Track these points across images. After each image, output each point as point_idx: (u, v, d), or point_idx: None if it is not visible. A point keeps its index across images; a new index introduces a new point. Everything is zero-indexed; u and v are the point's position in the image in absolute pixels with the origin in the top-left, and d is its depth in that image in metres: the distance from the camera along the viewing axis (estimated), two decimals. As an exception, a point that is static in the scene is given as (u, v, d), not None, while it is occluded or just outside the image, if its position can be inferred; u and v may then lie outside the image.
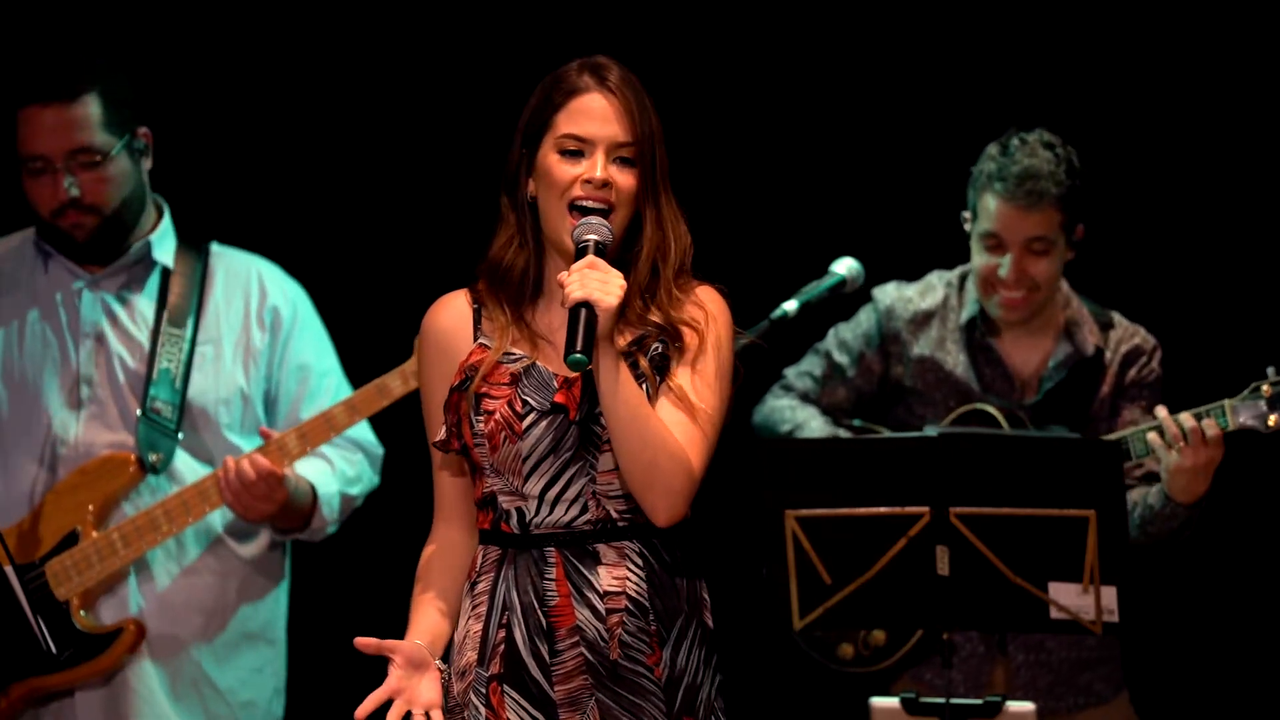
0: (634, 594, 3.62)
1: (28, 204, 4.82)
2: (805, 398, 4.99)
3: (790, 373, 5.02)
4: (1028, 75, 5.66)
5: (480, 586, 3.68)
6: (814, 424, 4.92)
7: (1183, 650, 5.71)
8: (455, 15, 5.83)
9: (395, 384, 4.70)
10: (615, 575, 3.62)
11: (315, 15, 5.84)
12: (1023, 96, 5.58)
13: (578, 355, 3.48)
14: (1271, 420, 4.57)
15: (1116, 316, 4.94)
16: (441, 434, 3.70)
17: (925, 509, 4.02)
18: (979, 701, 4.08)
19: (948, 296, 4.96)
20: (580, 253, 3.58)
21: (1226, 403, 4.59)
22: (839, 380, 4.99)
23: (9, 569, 4.46)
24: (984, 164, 4.83)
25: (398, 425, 4.89)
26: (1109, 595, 4.00)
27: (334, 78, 5.85)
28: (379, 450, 4.95)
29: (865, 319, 4.99)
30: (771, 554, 4.08)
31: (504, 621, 3.64)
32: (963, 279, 4.97)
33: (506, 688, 3.62)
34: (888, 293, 4.98)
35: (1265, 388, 4.58)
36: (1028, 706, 4.06)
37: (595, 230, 3.59)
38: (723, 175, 5.64)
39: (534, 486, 3.64)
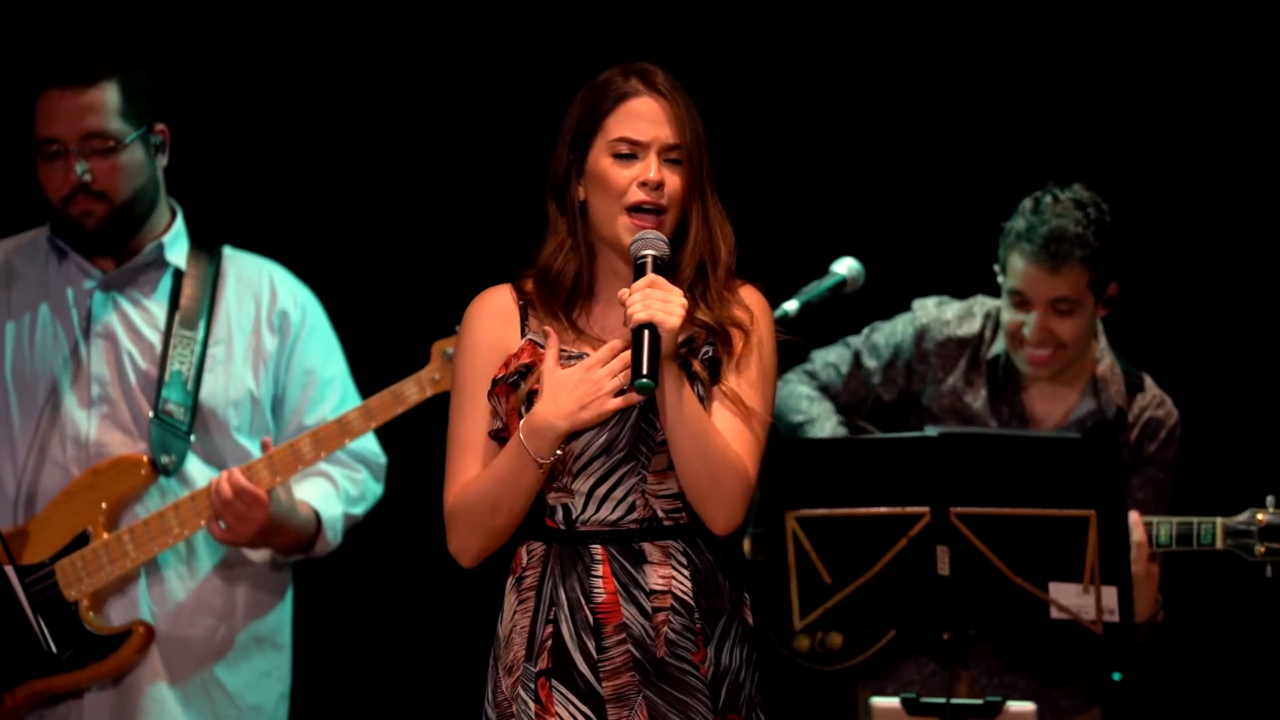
0: (680, 593, 3.65)
1: (33, 203, 4.82)
2: (826, 390, 4.96)
3: (817, 358, 4.98)
4: (1027, 74, 5.66)
5: (527, 581, 3.69)
6: (827, 424, 4.89)
7: (1152, 665, 5.69)
8: (474, 24, 5.83)
9: (411, 391, 4.69)
10: (661, 574, 3.65)
11: (334, 19, 5.83)
12: (1023, 96, 5.58)
13: (645, 380, 3.50)
14: (1258, 550, 4.56)
15: (1148, 380, 4.87)
16: (499, 424, 3.69)
17: (925, 509, 4.02)
18: (979, 702, 4.08)
19: (984, 329, 4.90)
20: (639, 269, 3.60)
21: (1219, 521, 4.58)
22: (862, 383, 4.96)
23: (9, 569, 4.46)
24: (1015, 220, 4.76)
25: (401, 432, 4.89)
26: (1109, 595, 4.00)
27: (350, 84, 5.85)
28: (382, 460, 4.94)
29: (901, 330, 4.93)
30: (771, 554, 4.08)
31: (551, 617, 3.66)
32: (1000, 312, 4.92)
33: (555, 683, 3.64)
34: (928, 310, 4.93)
35: (1261, 515, 4.57)
36: (1028, 707, 4.06)
37: (653, 245, 3.62)
38: (722, 175, 5.63)
39: (583, 484, 3.65)
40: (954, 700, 4.06)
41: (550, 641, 3.65)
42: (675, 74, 3.76)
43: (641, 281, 3.57)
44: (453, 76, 5.85)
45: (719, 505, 3.61)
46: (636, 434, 3.64)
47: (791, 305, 4.72)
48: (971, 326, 4.91)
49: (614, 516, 3.66)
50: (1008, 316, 4.79)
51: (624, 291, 3.58)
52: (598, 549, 3.66)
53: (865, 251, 4.88)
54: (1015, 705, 4.06)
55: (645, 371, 3.50)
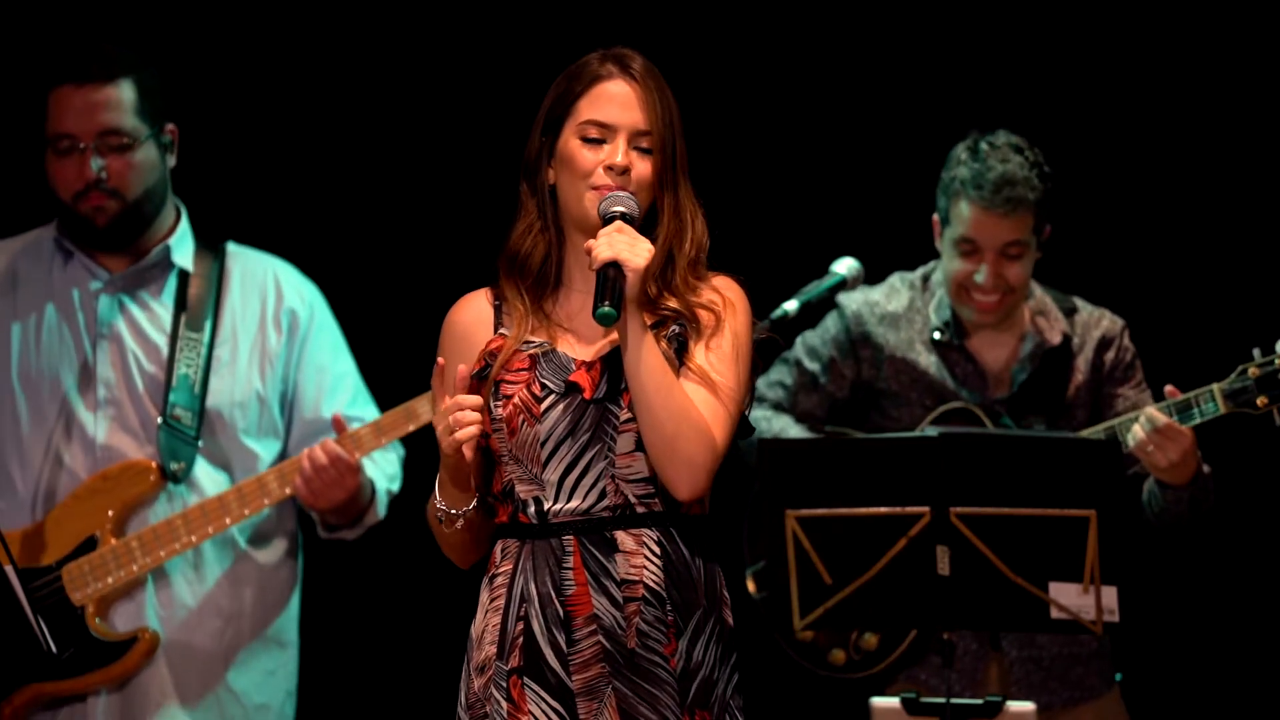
0: (651, 583, 3.62)
1: (38, 202, 4.82)
2: (779, 407, 5.00)
3: (761, 383, 5.02)
4: (1023, 72, 5.67)
5: (499, 580, 3.67)
6: (792, 431, 4.92)
7: (1172, 644, 5.72)
8: (479, 18, 5.83)
9: (424, 409, 4.71)
10: (633, 564, 3.62)
11: (338, 14, 5.83)
12: (1017, 93, 5.60)
13: (606, 308, 3.48)
14: (1260, 401, 4.61)
15: (1079, 301, 4.99)
16: None
17: (925, 509, 4.03)
18: (979, 701, 4.08)
19: (912, 299, 4.99)
20: (606, 223, 3.60)
21: (1215, 387, 4.64)
22: (811, 388, 5.00)
23: (9, 568, 4.45)
24: (956, 170, 4.85)
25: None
26: (1109, 595, 4.01)
27: (355, 79, 5.85)
28: (402, 450, 4.96)
29: (833, 325, 5.00)
30: (771, 554, 4.08)
31: (522, 614, 3.64)
32: (925, 279, 4.99)
33: (527, 680, 3.62)
34: (853, 298, 5.00)
35: (1252, 369, 4.64)
36: (1028, 706, 4.06)
37: (622, 203, 3.61)
38: (723, 175, 5.63)
39: (552, 473, 3.63)
40: (953, 700, 4.06)
41: (521, 639, 3.63)
42: (675, 72, 3.75)
43: (609, 227, 3.58)
44: (467, 77, 5.85)
45: (681, 466, 3.57)
46: (600, 415, 3.64)
47: (791, 305, 4.73)
48: (900, 300, 5.00)
49: (585, 505, 3.64)
50: (954, 266, 4.86)
51: (590, 241, 3.58)
52: (570, 540, 3.63)
53: (865, 251, 4.89)
54: (1015, 705, 4.06)
55: (609, 302, 3.49)
